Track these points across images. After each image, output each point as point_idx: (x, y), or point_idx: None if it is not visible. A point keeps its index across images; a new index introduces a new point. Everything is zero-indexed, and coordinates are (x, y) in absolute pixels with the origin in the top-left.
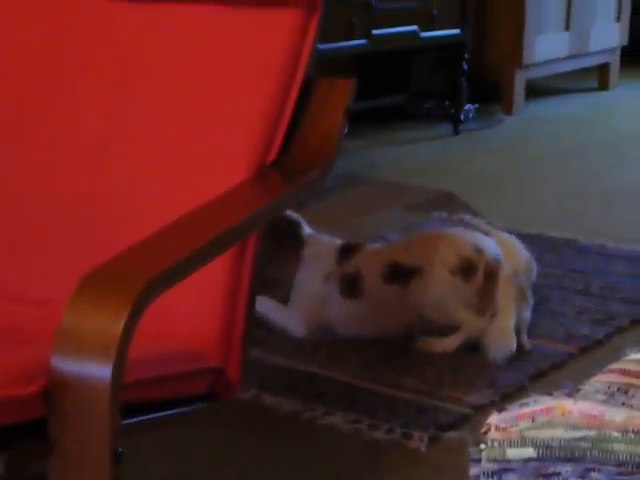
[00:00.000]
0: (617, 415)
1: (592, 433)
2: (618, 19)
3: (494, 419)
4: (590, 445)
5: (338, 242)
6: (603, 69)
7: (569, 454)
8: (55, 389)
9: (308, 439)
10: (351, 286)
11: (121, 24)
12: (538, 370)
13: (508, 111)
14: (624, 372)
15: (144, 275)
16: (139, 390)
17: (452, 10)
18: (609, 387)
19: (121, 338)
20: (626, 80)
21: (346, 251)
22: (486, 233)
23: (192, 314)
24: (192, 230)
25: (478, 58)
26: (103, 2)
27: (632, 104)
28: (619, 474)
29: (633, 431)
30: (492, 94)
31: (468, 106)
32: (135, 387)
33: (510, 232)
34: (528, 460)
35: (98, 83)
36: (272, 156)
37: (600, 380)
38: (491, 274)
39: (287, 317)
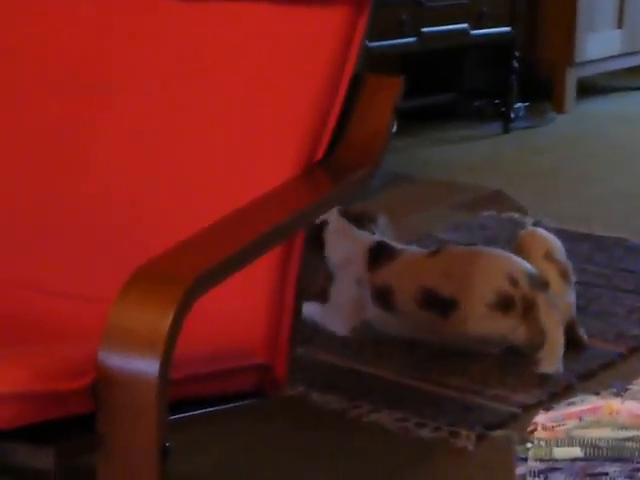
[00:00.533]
0: None
1: None
2: None
3: (541, 418)
4: (638, 445)
5: (366, 240)
6: None
7: (617, 454)
8: (103, 384)
9: (355, 436)
10: (383, 298)
11: (170, 22)
12: (587, 370)
13: (559, 109)
14: None
15: (192, 271)
16: (188, 386)
17: (502, 7)
18: None
19: (168, 333)
20: None
21: (377, 257)
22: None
23: (240, 312)
24: (239, 227)
25: (529, 56)
26: (153, 0)
27: None
28: None
29: None
30: (543, 92)
31: (518, 104)
32: (184, 383)
33: (559, 231)
34: (575, 460)
35: (148, 81)
36: (320, 154)
37: None
38: (529, 305)
39: (329, 318)
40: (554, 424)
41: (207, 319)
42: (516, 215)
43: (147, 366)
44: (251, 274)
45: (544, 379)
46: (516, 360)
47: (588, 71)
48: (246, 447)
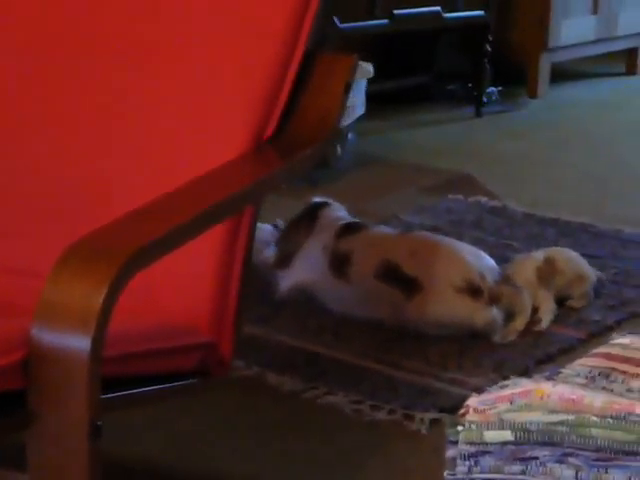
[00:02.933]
0: (596, 399)
1: (570, 417)
2: None
3: (473, 401)
4: (568, 429)
5: (347, 220)
6: (631, 53)
7: (547, 438)
8: (34, 360)
9: (308, 418)
10: (340, 265)
11: None
12: (545, 354)
13: (533, 94)
14: (608, 356)
15: (126, 247)
16: (125, 364)
17: None
18: (590, 371)
19: (101, 310)
20: None
21: (347, 229)
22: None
23: (183, 289)
24: (177, 205)
25: (503, 40)
26: None
27: None
28: (597, 459)
29: (612, 416)
30: (517, 77)
31: (491, 89)
32: (120, 361)
33: (527, 215)
34: (505, 443)
35: (98, 59)
36: (269, 131)
37: (583, 364)
38: (495, 297)
39: (281, 275)
40: (485, 407)
41: (150, 294)
42: (483, 199)
43: (78, 343)
44: (197, 249)
45: (501, 363)
46: (475, 344)
47: (562, 56)
48: (194, 426)
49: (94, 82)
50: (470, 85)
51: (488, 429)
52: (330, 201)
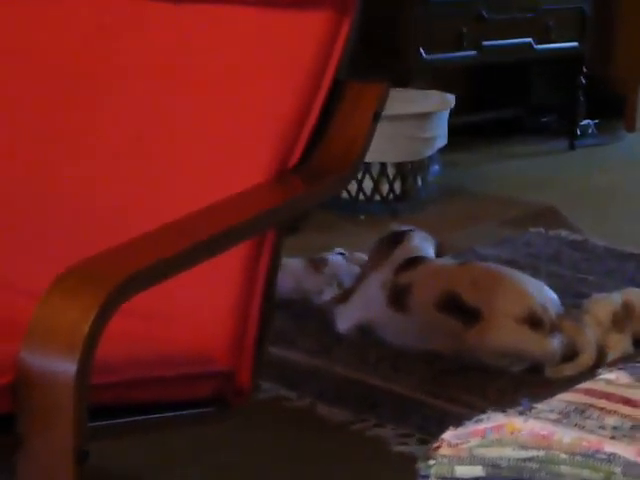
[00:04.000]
0: (566, 436)
1: (540, 453)
2: None
3: (448, 435)
4: (538, 466)
5: (409, 253)
6: None
7: (517, 474)
8: (22, 384)
9: (355, 450)
10: (399, 298)
11: (158, 24)
12: None
13: (630, 128)
14: (589, 392)
15: (119, 272)
16: (137, 389)
17: (570, 22)
18: (566, 407)
19: (88, 335)
20: None
21: (407, 263)
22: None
23: (200, 316)
24: (185, 230)
25: (600, 72)
26: (141, 2)
27: None
28: None
29: (580, 453)
30: (614, 110)
31: (587, 121)
32: (126, 387)
33: (607, 250)
34: (476, 479)
35: (134, 79)
36: (294, 159)
37: (561, 399)
38: (556, 329)
39: (339, 311)
40: (458, 441)
41: (166, 321)
42: (564, 232)
43: (64, 368)
44: (215, 277)
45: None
46: (533, 379)
47: None
48: (242, 457)
49: (127, 108)
50: (564, 118)
51: (459, 464)
52: (413, 229)
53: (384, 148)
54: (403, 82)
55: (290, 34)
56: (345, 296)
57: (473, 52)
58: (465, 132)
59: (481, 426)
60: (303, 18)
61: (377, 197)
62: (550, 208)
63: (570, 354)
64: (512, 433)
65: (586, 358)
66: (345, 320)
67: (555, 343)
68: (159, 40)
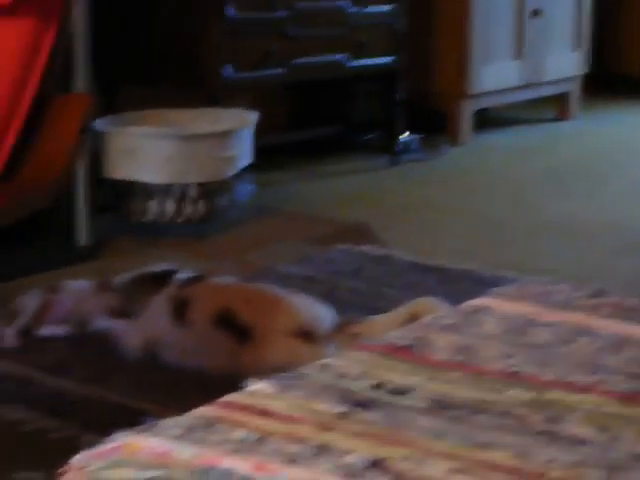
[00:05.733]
0: (185, 452)
1: (160, 473)
2: (577, 47)
3: (75, 459)
4: None
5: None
6: (562, 98)
7: None
8: None
9: None
10: (180, 311)
11: None
12: None
13: (455, 142)
14: (226, 405)
15: None
16: None
17: (382, 38)
18: (193, 421)
19: None
20: (592, 109)
21: (193, 280)
22: None
23: None
24: None
25: (422, 87)
26: None
27: (590, 134)
28: None
29: (198, 470)
30: (438, 124)
31: (408, 136)
32: None
33: (412, 264)
34: None
35: None
36: None
37: (192, 414)
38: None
39: (124, 331)
40: (83, 465)
41: None
42: (368, 248)
43: None
44: None
45: None
46: None
47: (484, 103)
48: None
49: None
50: (385, 134)
51: None
52: (176, 267)
53: (184, 169)
54: (210, 101)
55: None
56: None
57: (281, 70)
58: (284, 151)
59: (105, 447)
60: (9, 25)
61: (181, 219)
62: (361, 225)
63: None
64: (133, 453)
65: None
66: (132, 339)
67: (330, 352)
68: None
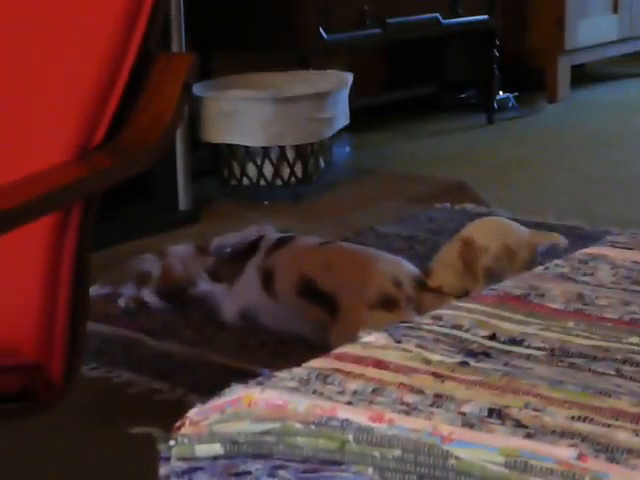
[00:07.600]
0: (300, 404)
1: (276, 425)
2: None
3: (191, 412)
4: (276, 439)
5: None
6: None
7: (256, 450)
8: None
9: None
10: (266, 281)
11: None
12: None
13: (552, 98)
14: (340, 356)
15: None
16: None
17: None
18: (308, 373)
19: None
20: None
21: (277, 244)
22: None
23: (3, 306)
24: None
25: (519, 44)
26: None
27: None
28: (305, 471)
29: (314, 422)
30: (535, 81)
31: (506, 95)
32: None
33: (513, 220)
34: (217, 458)
35: None
36: (99, 135)
37: (307, 365)
38: (415, 305)
39: (222, 299)
40: (200, 418)
41: None
42: (470, 206)
43: None
44: (14, 260)
45: None
46: None
47: (582, 59)
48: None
49: None
50: (481, 93)
51: (199, 442)
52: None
53: (281, 131)
54: (303, 63)
55: (89, 6)
56: (228, 283)
57: (377, 30)
58: (380, 112)
59: (221, 400)
60: None
61: (279, 182)
62: (459, 183)
63: None
64: (249, 405)
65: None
66: (229, 307)
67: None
68: None
